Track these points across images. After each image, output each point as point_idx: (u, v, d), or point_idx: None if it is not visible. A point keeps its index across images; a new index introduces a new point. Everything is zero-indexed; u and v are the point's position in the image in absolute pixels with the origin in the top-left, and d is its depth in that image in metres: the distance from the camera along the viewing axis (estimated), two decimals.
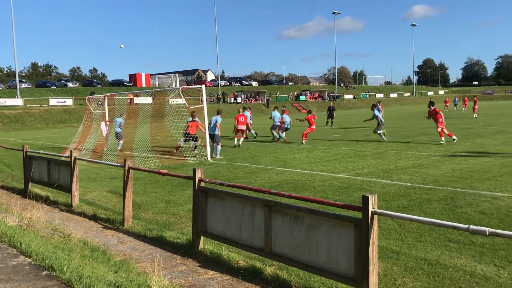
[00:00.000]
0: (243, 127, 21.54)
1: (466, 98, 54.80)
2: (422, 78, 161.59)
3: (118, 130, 21.15)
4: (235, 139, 21.36)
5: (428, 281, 5.19)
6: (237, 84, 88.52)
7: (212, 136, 17.30)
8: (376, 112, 21.66)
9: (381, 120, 21.41)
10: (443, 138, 18.90)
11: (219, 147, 17.22)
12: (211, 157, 16.71)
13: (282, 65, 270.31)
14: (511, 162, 13.15)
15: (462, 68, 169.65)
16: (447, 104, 53.19)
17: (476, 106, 38.48)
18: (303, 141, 20.88)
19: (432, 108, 19.88)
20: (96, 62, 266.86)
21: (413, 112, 54.53)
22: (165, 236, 7.09)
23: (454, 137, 19.10)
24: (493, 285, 5.01)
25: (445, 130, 19.17)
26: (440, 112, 19.53)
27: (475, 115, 37.50)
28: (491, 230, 3.65)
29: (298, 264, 5.06)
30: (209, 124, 17.43)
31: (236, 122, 21.40)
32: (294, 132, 25.47)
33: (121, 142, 21.08)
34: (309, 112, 22.29)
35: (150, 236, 7.28)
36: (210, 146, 16.97)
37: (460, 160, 13.98)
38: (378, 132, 21.17)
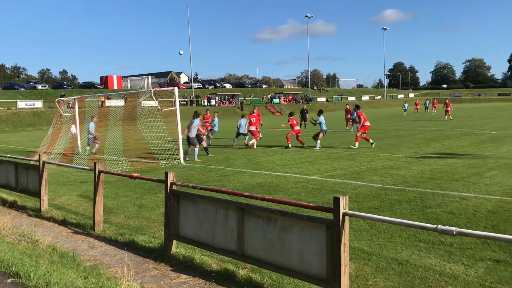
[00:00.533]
0: (253, 128, 21.34)
1: (435, 100, 56.06)
2: (393, 81, 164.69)
3: (90, 136, 20.46)
4: (247, 140, 21.47)
5: (399, 281, 5.27)
6: (211, 87, 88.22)
7: (188, 139, 17.22)
8: (321, 119, 21.32)
9: (323, 130, 20.96)
10: (357, 144, 19.33)
11: (196, 150, 17.11)
12: (185, 160, 16.60)
13: (256, 67, 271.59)
14: (478, 163, 13.51)
15: (432, 72, 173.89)
16: (417, 107, 54.33)
17: (449, 109, 38.92)
18: (289, 145, 20.72)
19: (358, 111, 20.51)
20: (66, 64, 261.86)
21: (384, 114, 55.45)
22: (137, 241, 6.99)
23: (371, 140, 19.43)
24: (461, 283, 5.12)
25: (363, 135, 19.63)
26: (364, 116, 20.13)
27: (450, 117, 38.10)
28: (458, 229, 3.73)
29: (271, 266, 5.06)
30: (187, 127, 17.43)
31: (248, 122, 21.44)
32: (272, 136, 25.53)
33: (97, 145, 20.37)
34: (290, 114, 22.18)
35: (121, 241, 7.16)
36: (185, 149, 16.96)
37: (429, 161, 14.28)
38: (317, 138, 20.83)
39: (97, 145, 20.29)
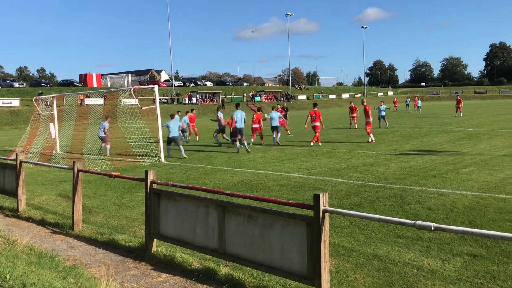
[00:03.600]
0: (256, 125, 21.46)
1: (416, 98, 56.86)
2: (373, 79, 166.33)
3: (102, 134, 19.27)
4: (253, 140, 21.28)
5: (378, 276, 5.34)
6: (192, 85, 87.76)
7: (172, 139, 17.14)
8: (220, 114, 21.65)
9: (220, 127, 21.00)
10: (317, 143, 19.46)
11: (181, 147, 17.23)
12: (165, 158, 16.50)
13: (237, 65, 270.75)
14: (455, 159, 13.75)
15: (410, 70, 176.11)
16: (396, 105, 54.98)
17: (460, 106, 37.87)
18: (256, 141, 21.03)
19: (315, 109, 20.08)
20: (44, 62, 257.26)
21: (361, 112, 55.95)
22: (117, 240, 6.93)
23: (320, 143, 19.61)
24: (439, 278, 5.22)
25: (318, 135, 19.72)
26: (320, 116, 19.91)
27: (461, 114, 37.37)
28: (436, 225, 3.80)
29: (252, 263, 5.08)
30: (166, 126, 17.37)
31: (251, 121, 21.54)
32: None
33: (108, 146, 19.11)
34: (258, 109, 22.16)
35: (101, 240, 7.09)
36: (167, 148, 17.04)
37: (408, 158, 14.48)
38: (215, 135, 20.99)
39: (108, 146, 19.20)
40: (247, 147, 18.08)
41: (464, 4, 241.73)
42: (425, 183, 10.42)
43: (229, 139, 20.27)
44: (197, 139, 24.44)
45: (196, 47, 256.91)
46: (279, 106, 25.31)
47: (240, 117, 18.45)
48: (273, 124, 21.00)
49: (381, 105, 28.98)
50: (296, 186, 10.67)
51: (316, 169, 13.01)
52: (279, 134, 21.33)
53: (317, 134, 19.67)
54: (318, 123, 19.71)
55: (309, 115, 20.16)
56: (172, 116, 18.04)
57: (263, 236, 4.96)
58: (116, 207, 9.44)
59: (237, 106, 19.52)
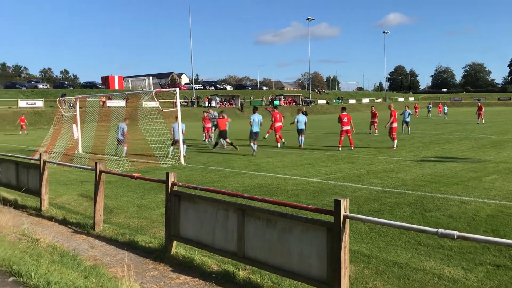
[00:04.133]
0: (279, 124, 22.00)
1: (440, 104, 56.27)
2: (393, 85, 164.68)
3: (120, 136, 19.56)
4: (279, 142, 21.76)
5: (398, 284, 5.28)
6: (211, 88, 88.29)
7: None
8: (211, 116, 22.40)
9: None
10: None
11: (185, 146, 17.93)
12: (185, 160, 16.62)
13: (257, 69, 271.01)
14: (478, 167, 13.52)
15: (432, 75, 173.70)
16: (417, 110, 54.40)
17: (482, 112, 37.37)
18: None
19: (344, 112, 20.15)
20: (68, 64, 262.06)
21: (384, 117, 55.45)
22: (137, 241, 7.00)
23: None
24: (460, 287, 5.14)
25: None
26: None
27: (483, 121, 36.95)
28: (458, 233, 3.74)
29: (271, 268, 5.08)
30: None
31: (273, 120, 21.93)
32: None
33: (125, 148, 19.45)
34: (275, 107, 22.69)
35: (121, 241, 7.17)
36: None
37: (429, 165, 14.29)
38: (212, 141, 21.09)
39: (125, 148, 19.46)
40: (234, 147, 19.01)
41: (487, 9, 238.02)
42: (447, 190, 10.27)
43: (222, 142, 20.91)
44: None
45: (217, 51, 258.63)
46: (304, 109, 25.53)
47: (257, 121, 18.73)
48: (299, 127, 21.29)
49: (406, 110, 28.65)
50: (315, 191, 10.63)
51: (335, 174, 12.94)
52: (303, 137, 21.52)
53: (350, 137, 19.76)
54: (349, 127, 19.72)
55: (341, 119, 19.96)
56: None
57: (282, 240, 4.96)
58: (137, 208, 9.54)
59: (255, 109, 19.68)
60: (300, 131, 21.28)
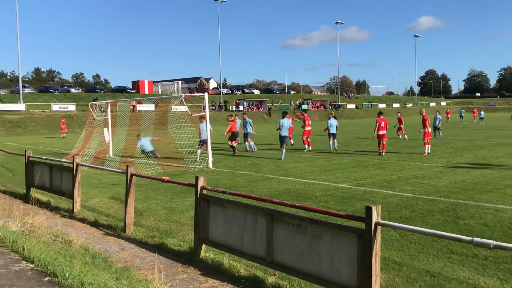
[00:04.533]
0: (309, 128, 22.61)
1: (475, 109, 55.03)
2: (425, 89, 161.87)
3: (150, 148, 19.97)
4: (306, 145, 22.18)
5: None
6: (239, 92, 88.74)
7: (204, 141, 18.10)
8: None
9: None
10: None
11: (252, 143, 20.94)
12: (213, 164, 16.72)
13: (285, 73, 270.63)
14: None
15: (465, 80, 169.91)
16: (448, 115, 53.28)
17: None
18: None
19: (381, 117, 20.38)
20: (99, 68, 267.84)
21: (415, 122, 54.49)
22: (167, 244, 7.07)
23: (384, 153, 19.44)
24: None
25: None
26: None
27: None
28: (495, 243, 3.63)
29: (300, 274, 5.04)
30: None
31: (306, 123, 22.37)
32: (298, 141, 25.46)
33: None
34: (305, 111, 22.88)
35: (151, 243, 7.26)
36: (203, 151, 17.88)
37: (462, 171, 13.96)
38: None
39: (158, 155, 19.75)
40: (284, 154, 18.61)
41: None
42: (481, 198, 10.00)
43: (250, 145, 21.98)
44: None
45: (245, 55, 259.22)
46: (333, 113, 25.66)
47: (286, 126, 19.00)
48: (331, 131, 21.62)
49: (436, 116, 28.05)
50: (344, 197, 10.52)
51: (365, 180, 12.78)
52: (336, 141, 21.82)
53: (384, 143, 19.64)
54: (385, 132, 19.84)
55: (377, 123, 20.05)
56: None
57: (311, 246, 4.92)
58: (166, 211, 9.64)
59: (284, 114, 19.88)
60: (332, 135, 21.53)
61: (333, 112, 27.22)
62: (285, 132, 18.78)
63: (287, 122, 19.03)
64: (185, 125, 18.58)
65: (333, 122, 21.84)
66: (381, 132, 19.73)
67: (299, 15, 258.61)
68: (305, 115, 23.67)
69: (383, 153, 19.27)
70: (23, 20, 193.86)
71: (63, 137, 39.58)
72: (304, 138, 22.08)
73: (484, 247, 3.69)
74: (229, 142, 20.93)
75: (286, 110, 23.33)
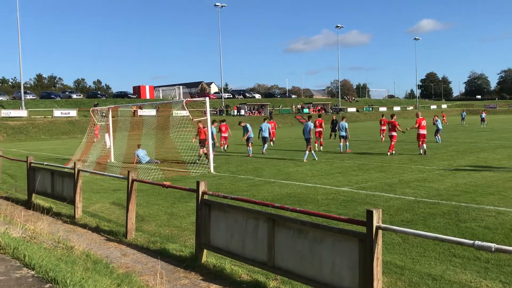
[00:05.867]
0: (320, 129, 24.71)
1: (484, 111, 55.30)
2: (425, 92, 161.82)
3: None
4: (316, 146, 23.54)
5: None
6: (240, 97, 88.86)
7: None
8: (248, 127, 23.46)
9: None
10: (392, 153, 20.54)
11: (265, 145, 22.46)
12: (215, 169, 16.73)
13: (286, 78, 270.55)
14: None
15: (465, 82, 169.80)
16: (444, 118, 53.25)
17: None
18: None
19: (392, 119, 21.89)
20: (100, 74, 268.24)
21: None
22: (168, 249, 7.07)
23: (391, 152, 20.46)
24: None
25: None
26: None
27: None
28: (497, 246, 3.62)
29: (302, 278, 5.03)
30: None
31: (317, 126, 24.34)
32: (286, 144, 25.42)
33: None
34: (319, 116, 24.21)
35: (153, 249, 7.26)
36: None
37: (463, 174, 13.93)
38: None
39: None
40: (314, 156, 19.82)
41: None
42: (482, 200, 9.98)
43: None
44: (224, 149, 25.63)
45: (246, 60, 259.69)
46: (334, 117, 26.76)
47: (307, 129, 20.29)
48: (341, 134, 23.70)
49: (435, 118, 28.29)
50: (346, 200, 10.51)
51: (366, 184, 12.77)
52: (347, 143, 23.50)
53: (393, 143, 21.05)
54: (395, 133, 21.34)
55: (393, 125, 21.52)
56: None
57: (313, 251, 4.91)
58: (167, 216, 9.64)
59: (309, 118, 21.12)
60: (342, 137, 23.54)
61: (334, 116, 27.84)
62: (307, 135, 19.97)
63: (309, 125, 20.17)
64: (186, 130, 18.60)
65: (345, 125, 23.94)
66: (391, 134, 21.38)
67: (301, 20, 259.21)
68: (319, 118, 25.73)
69: (393, 152, 20.64)
70: (25, 26, 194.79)
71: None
72: (318, 140, 24.32)
73: (486, 250, 3.68)
74: (201, 150, 19.87)
75: (311, 115, 25.92)
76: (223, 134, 25.20)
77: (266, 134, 23.53)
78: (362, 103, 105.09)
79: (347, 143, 23.44)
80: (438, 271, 5.88)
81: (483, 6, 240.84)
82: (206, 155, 19.53)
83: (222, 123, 25.55)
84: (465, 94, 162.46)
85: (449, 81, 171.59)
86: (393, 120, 21.80)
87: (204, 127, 19.62)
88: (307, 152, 19.43)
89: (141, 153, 20.06)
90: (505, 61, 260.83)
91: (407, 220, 8.49)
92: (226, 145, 25.68)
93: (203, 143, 19.76)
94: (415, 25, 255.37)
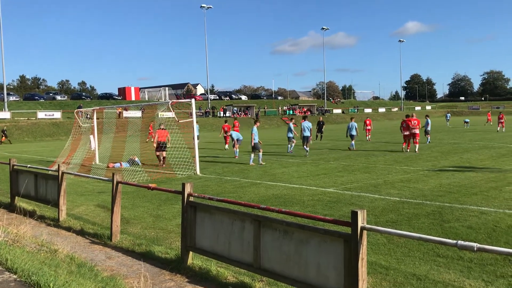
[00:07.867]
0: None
1: (489, 113, 56.30)
2: (410, 93, 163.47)
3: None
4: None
5: None
6: (227, 98, 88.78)
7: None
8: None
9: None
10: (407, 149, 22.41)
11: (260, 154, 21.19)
12: (201, 171, 16.67)
13: (272, 79, 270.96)
14: (497, 177, 13.30)
15: (449, 84, 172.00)
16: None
17: (503, 120, 38.54)
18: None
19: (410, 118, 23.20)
20: (85, 75, 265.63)
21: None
22: (154, 251, 7.03)
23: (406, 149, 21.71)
24: None
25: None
26: (410, 124, 22.66)
27: (503, 129, 38.19)
28: (479, 245, 3.67)
29: (287, 279, 5.04)
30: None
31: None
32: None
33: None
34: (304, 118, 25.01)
35: (138, 251, 7.20)
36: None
37: (447, 174, 14.10)
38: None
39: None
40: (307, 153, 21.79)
41: (506, 17, 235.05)
42: (466, 200, 10.11)
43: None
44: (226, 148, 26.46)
45: (233, 61, 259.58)
46: (321, 118, 27.72)
47: (307, 128, 22.35)
48: (352, 133, 25.20)
49: (426, 119, 28.70)
50: (331, 201, 10.56)
51: (352, 185, 12.85)
52: (353, 142, 25.01)
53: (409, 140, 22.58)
54: (418, 131, 22.51)
55: (408, 125, 22.73)
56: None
57: (298, 252, 4.92)
58: (153, 219, 9.58)
59: (304, 118, 23.29)
60: (352, 136, 25.15)
61: (354, 116, 29.28)
62: (307, 133, 22.04)
63: (307, 124, 22.28)
64: (171, 131, 18.51)
65: (354, 124, 25.41)
66: (413, 131, 22.42)
67: (288, 22, 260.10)
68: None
69: (408, 150, 22.41)
70: (7, 27, 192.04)
71: (148, 141, 36.76)
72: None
73: (468, 250, 3.73)
74: (157, 153, 19.41)
75: (306, 115, 27.22)
76: (229, 133, 25.60)
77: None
78: (348, 104, 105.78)
79: (353, 142, 25.03)
80: (422, 271, 5.93)
81: (467, 8, 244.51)
82: (164, 159, 19.03)
83: (225, 123, 27.56)
84: (449, 95, 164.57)
85: (433, 82, 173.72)
86: (414, 118, 22.97)
87: (163, 129, 18.87)
88: (306, 148, 21.76)
89: (125, 165, 19.65)
90: (488, 63, 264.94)
91: (392, 220, 8.56)
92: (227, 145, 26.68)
93: (162, 146, 18.90)
94: (401, 27, 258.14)
